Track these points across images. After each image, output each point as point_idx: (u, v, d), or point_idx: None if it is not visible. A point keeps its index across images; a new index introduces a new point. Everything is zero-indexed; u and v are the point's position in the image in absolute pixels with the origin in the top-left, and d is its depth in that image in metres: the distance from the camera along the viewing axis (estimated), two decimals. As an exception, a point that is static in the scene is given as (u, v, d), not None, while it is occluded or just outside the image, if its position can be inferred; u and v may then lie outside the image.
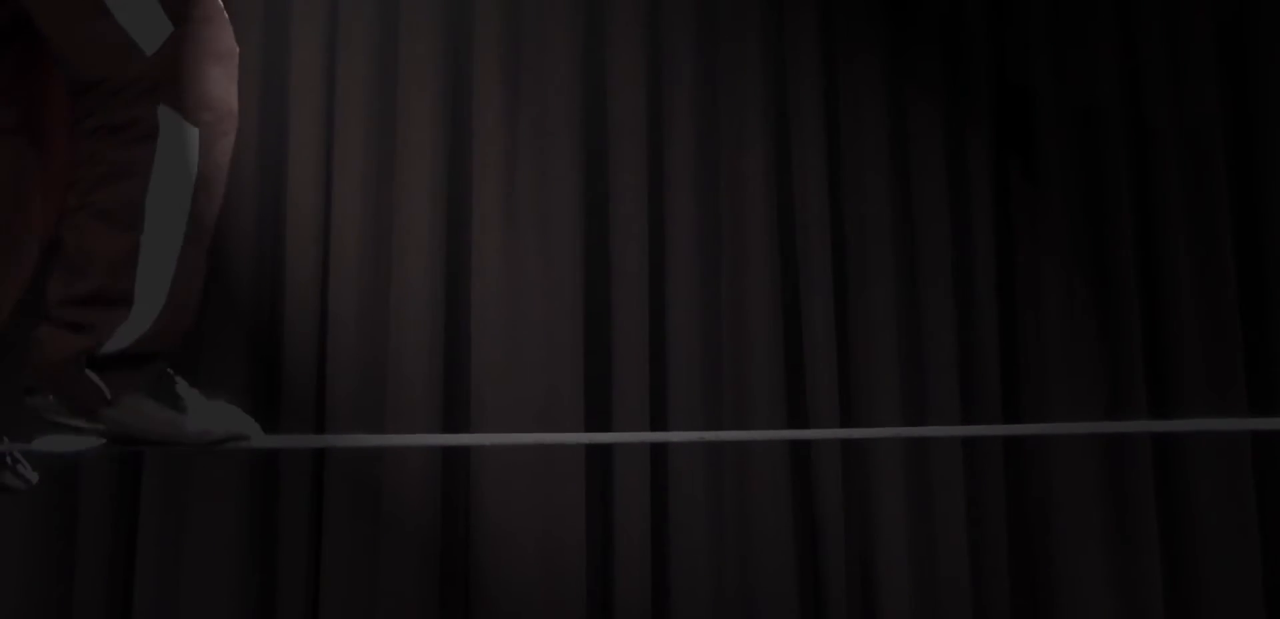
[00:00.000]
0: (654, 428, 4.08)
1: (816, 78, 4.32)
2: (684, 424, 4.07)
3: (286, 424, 3.92)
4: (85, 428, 2.12)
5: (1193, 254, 4.31)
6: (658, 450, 4.06)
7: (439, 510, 3.97)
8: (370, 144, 4.15)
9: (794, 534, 4.06)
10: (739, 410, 4.10)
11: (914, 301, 4.26)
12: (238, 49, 2.19)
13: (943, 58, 4.40)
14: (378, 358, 4.04)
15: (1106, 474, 4.18)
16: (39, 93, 2.18)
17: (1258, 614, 4.10)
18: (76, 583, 3.86)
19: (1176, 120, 4.40)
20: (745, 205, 4.23)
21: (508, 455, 3.97)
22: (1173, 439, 4.18)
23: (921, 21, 4.41)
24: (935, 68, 4.39)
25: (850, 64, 4.36)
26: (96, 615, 3.85)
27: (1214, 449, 4.17)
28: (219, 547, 3.88)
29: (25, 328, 2.16)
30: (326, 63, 4.17)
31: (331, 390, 4.00)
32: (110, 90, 2.05)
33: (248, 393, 3.93)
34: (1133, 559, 4.13)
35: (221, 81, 2.13)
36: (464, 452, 4.01)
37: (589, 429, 4.06)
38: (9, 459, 2.25)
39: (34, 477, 2.32)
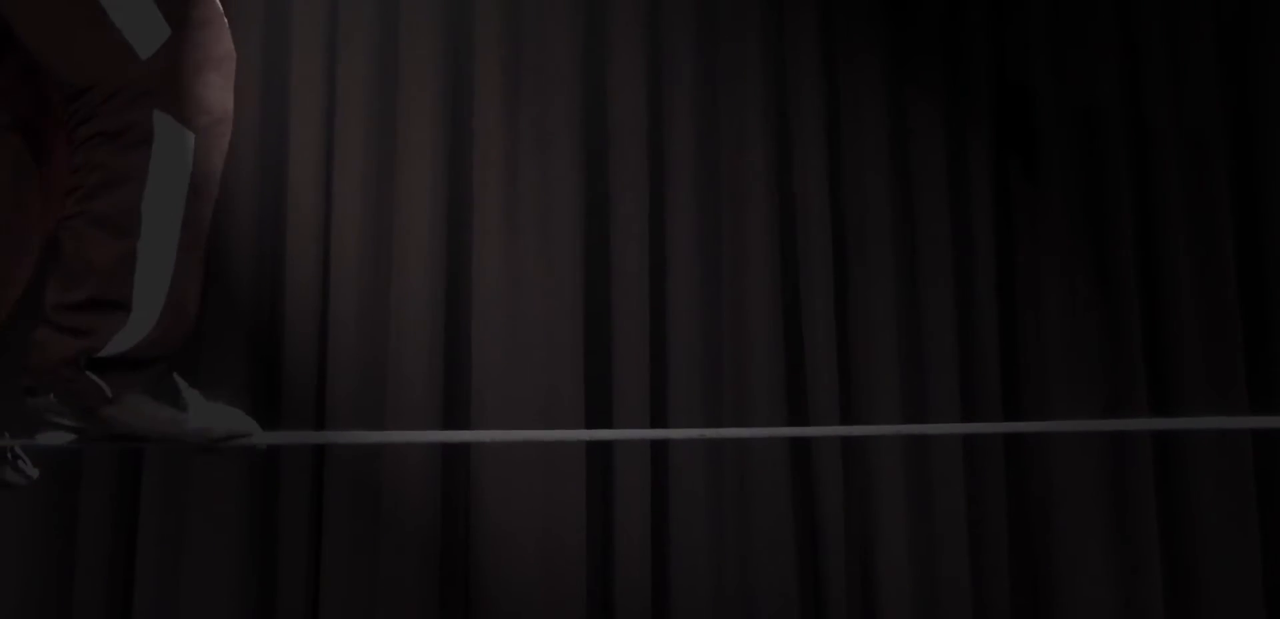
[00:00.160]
0: (654, 427, 4.08)
1: (817, 77, 4.33)
2: (684, 422, 4.07)
3: (287, 424, 3.92)
4: (86, 427, 2.11)
5: (1193, 253, 4.32)
6: (658, 448, 4.06)
7: (439, 509, 3.97)
8: (370, 144, 4.15)
9: (794, 532, 4.06)
10: (739, 409, 4.11)
11: (914, 300, 4.27)
12: (235, 52, 2.19)
13: (943, 57, 4.41)
14: (378, 357, 4.04)
15: (1107, 473, 4.18)
16: (38, 92, 2.18)
17: (1258, 613, 4.10)
18: (76, 581, 3.86)
19: (1177, 120, 4.40)
20: (745, 204, 4.23)
21: (508, 454, 3.98)
22: (1173, 438, 4.18)
23: (921, 21, 4.41)
24: (935, 67, 4.39)
25: (850, 63, 4.37)
26: (96, 613, 3.85)
27: (1214, 448, 4.17)
28: (219, 546, 3.88)
29: (26, 328, 2.16)
30: (327, 63, 4.17)
31: (332, 390, 4.00)
32: (104, 95, 2.05)
33: (248, 392, 3.93)
34: (1133, 558, 4.13)
35: (217, 86, 2.12)
36: (464, 450, 4.01)
37: (589, 427, 4.06)
38: (10, 455, 2.25)
39: (35, 473, 2.32)
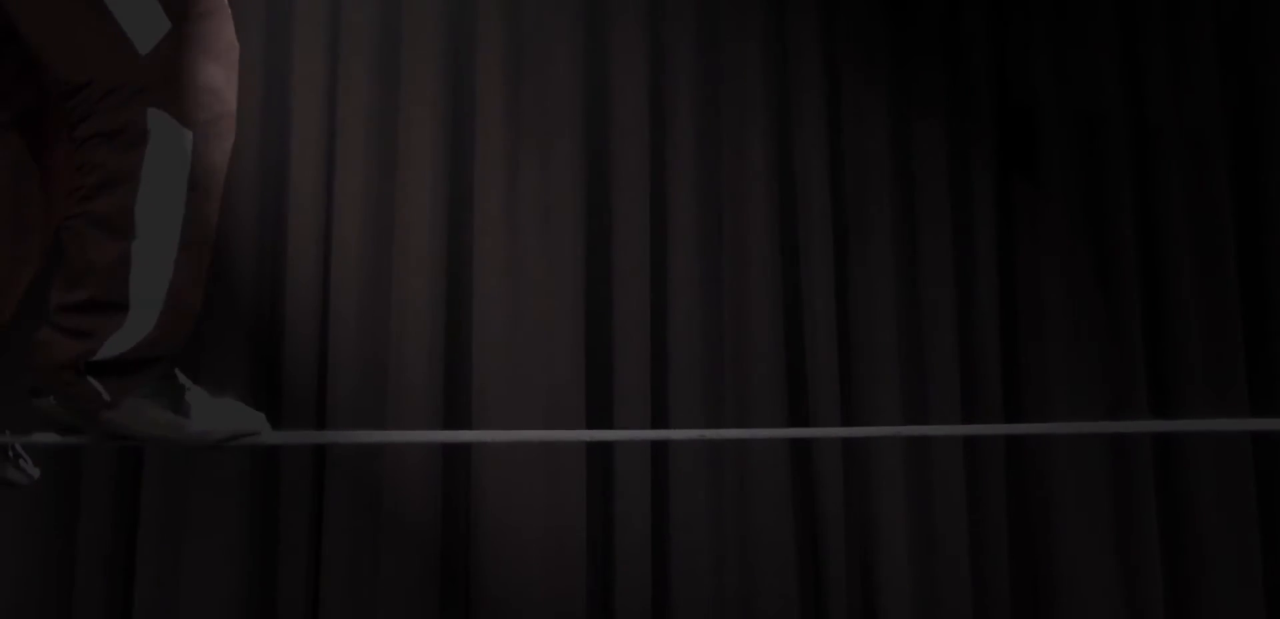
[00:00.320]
0: (655, 427, 4.08)
1: (819, 75, 4.33)
2: (685, 423, 4.07)
3: (288, 423, 3.91)
4: (88, 429, 2.11)
5: (1194, 254, 4.32)
6: (659, 448, 4.06)
7: (439, 509, 3.97)
8: (372, 142, 4.15)
9: (794, 533, 4.06)
10: (740, 409, 4.11)
11: (915, 301, 4.27)
12: (238, 44, 2.17)
13: (944, 58, 4.40)
14: (379, 356, 4.04)
15: (1108, 475, 4.18)
16: (40, 89, 2.17)
17: (1258, 614, 4.10)
18: (77, 578, 3.86)
19: (1178, 121, 4.40)
20: (747, 204, 4.23)
21: (508, 453, 3.98)
22: (1173, 440, 4.19)
23: (922, 22, 4.41)
24: (936, 67, 4.39)
25: (852, 63, 4.37)
26: (97, 611, 3.86)
27: (1214, 450, 4.17)
28: (220, 545, 3.89)
29: (30, 325, 2.16)
30: (328, 61, 4.17)
31: (333, 389, 4.01)
32: (101, 92, 2.04)
33: (249, 392, 3.92)
34: (1133, 560, 4.13)
35: (219, 79, 2.11)
36: (465, 450, 4.01)
37: (590, 428, 4.06)
38: (11, 453, 2.25)
39: (36, 472, 2.33)
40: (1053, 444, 4.18)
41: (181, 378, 2.16)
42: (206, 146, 2.08)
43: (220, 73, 2.12)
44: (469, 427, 4.03)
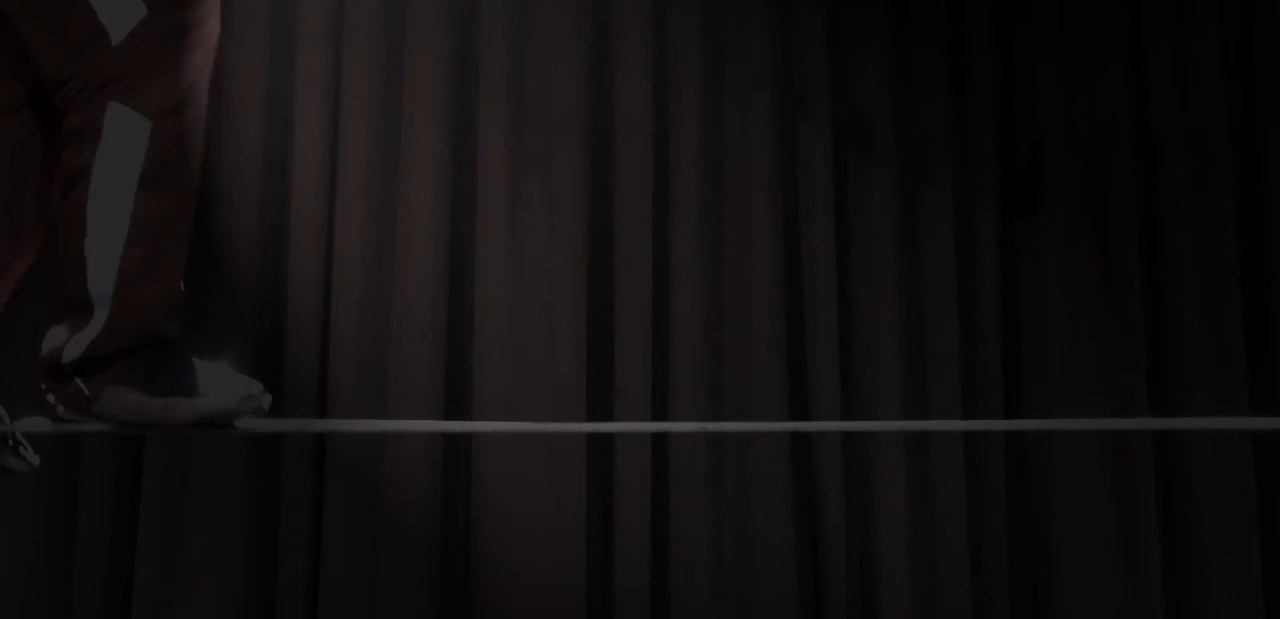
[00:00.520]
0: (656, 421, 4.09)
1: (822, 68, 4.33)
2: (686, 417, 4.07)
3: (289, 416, 3.91)
4: (84, 420, 2.13)
5: (1196, 254, 4.31)
6: (659, 441, 4.06)
7: (440, 502, 3.98)
8: (374, 137, 4.15)
9: (794, 527, 4.06)
10: (740, 404, 4.11)
11: (917, 298, 4.26)
12: (219, 29, 2.15)
13: (948, 55, 4.40)
14: (380, 350, 4.05)
15: (1108, 474, 4.18)
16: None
17: (1257, 613, 4.10)
18: (76, 567, 3.86)
19: (1180, 121, 4.40)
20: (748, 200, 4.24)
21: (509, 447, 3.98)
22: (1174, 438, 4.18)
23: (927, 20, 4.41)
24: (940, 65, 4.39)
25: (856, 59, 4.37)
26: (97, 599, 3.86)
27: (1215, 449, 4.17)
28: (219, 536, 3.89)
29: (28, 315, 2.17)
30: (332, 56, 4.17)
31: (334, 383, 4.01)
32: (76, 88, 2.04)
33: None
34: (1133, 558, 4.13)
35: (189, 68, 2.08)
36: (465, 443, 4.01)
37: (591, 422, 4.06)
38: (11, 441, 2.25)
39: (36, 460, 2.33)
40: (1053, 443, 4.18)
41: (179, 357, 2.14)
42: (165, 140, 2.05)
43: (190, 64, 2.08)
44: (470, 420, 4.03)
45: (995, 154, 4.37)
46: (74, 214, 2.05)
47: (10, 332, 2.96)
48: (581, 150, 4.20)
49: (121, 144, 2.03)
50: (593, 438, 4.04)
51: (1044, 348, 4.27)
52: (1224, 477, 4.17)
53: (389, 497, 3.95)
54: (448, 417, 4.04)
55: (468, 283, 4.13)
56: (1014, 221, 4.36)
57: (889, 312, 4.23)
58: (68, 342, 2.07)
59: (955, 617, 4.07)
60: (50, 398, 2.12)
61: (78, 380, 2.07)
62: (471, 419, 4.04)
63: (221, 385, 2.13)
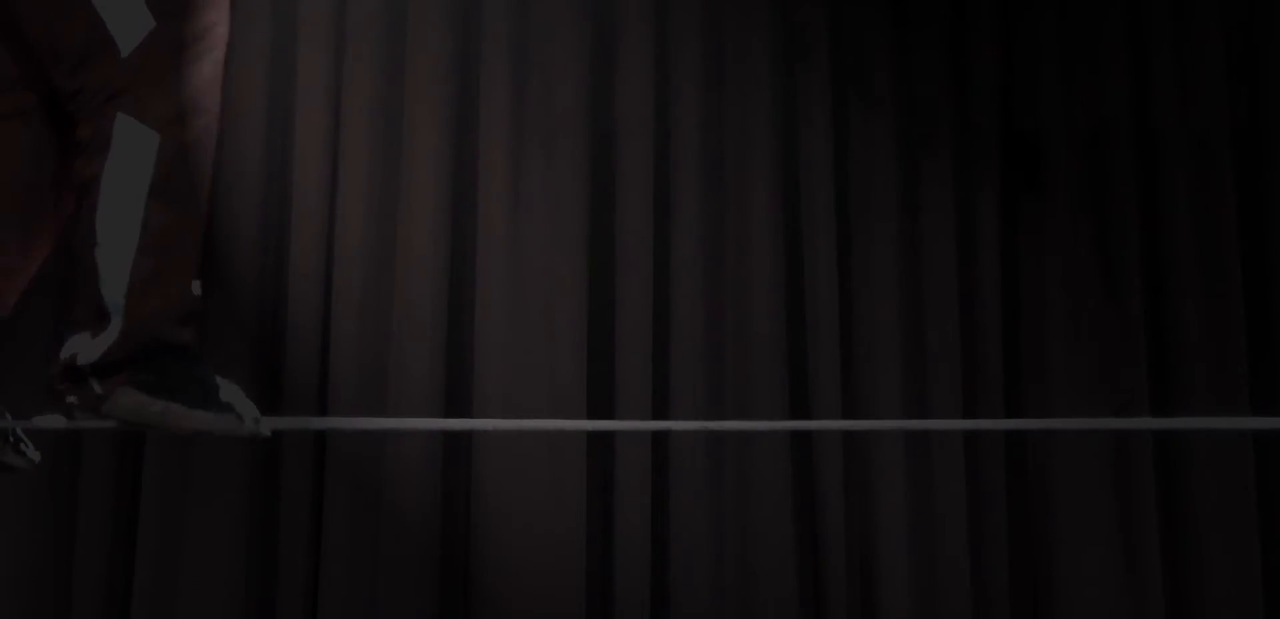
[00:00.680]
0: (656, 420, 4.09)
1: (824, 70, 4.32)
2: (686, 416, 4.08)
3: (289, 415, 3.92)
4: (97, 419, 2.15)
5: (1197, 254, 4.31)
6: (659, 441, 4.06)
7: (440, 501, 3.98)
8: (375, 136, 4.16)
9: (794, 526, 4.06)
10: (741, 403, 4.11)
11: (917, 297, 4.27)
12: (227, 35, 2.16)
13: (950, 54, 4.40)
14: (381, 349, 4.05)
15: (1109, 473, 4.18)
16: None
17: (1257, 613, 4.10)
18: (77, 566, 3.87)
19: (1181, 120, 4.39)
20: (749, 199, 4.24)
21: (509, 446, 3.98)
22: (1175, 438, 4.19)
23: (929, 19, 4.41)
24: (942, 63, 4.39)
25: (857, 58, 4.37)
26: (97, 598, 3.86)
27: (1216, 449, 4.17)
28: (220, 534, 3.89)
29: (37, 311, 2.18)
30: (333, 55, 4.17)
31: (334, 382, 4.01)
32: (86, 98, 2.05)
33: (251, 384, 3.92)
34: (1133, 557, 4.14)
35: (197, 79, 2.09)
36: (465, 443, 4.01)
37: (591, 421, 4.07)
38: (11, 437, 2.26)
39: (36, 456, 2.33)
40: (1053, 442, 4.18)
41: (191, 367, 2.16)
42: (175, 151, 2.07)
43: (200, 72, 2.09)
44: (470, 418, 4.03)
45: (996, 154, 4.37)
46: (85, 224, 2.07)
47: (13, 331, 2.96)
48: (582, 150, 4.20)
49: (130, 155, 2.05)
50: (593, 438, 4.04)
51: (1044, 347, 4.26)
52: (1224, 477, 4.17)
53: (389, 496, 3.95)
54: (449, 414, 4.04)
55: (468, 282, 4.13)
56: (1015, 221, 4.36)
57: (889, 311, 4.23)
58: (84, 347, 2.09)
59: (955, 616, 4.07)
60: (66, 398, 2.13)
61: (93, 381, 2.09)
62: (472, 417, 4.04)
63: (228, 403, 2.16)
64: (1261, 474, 4.18)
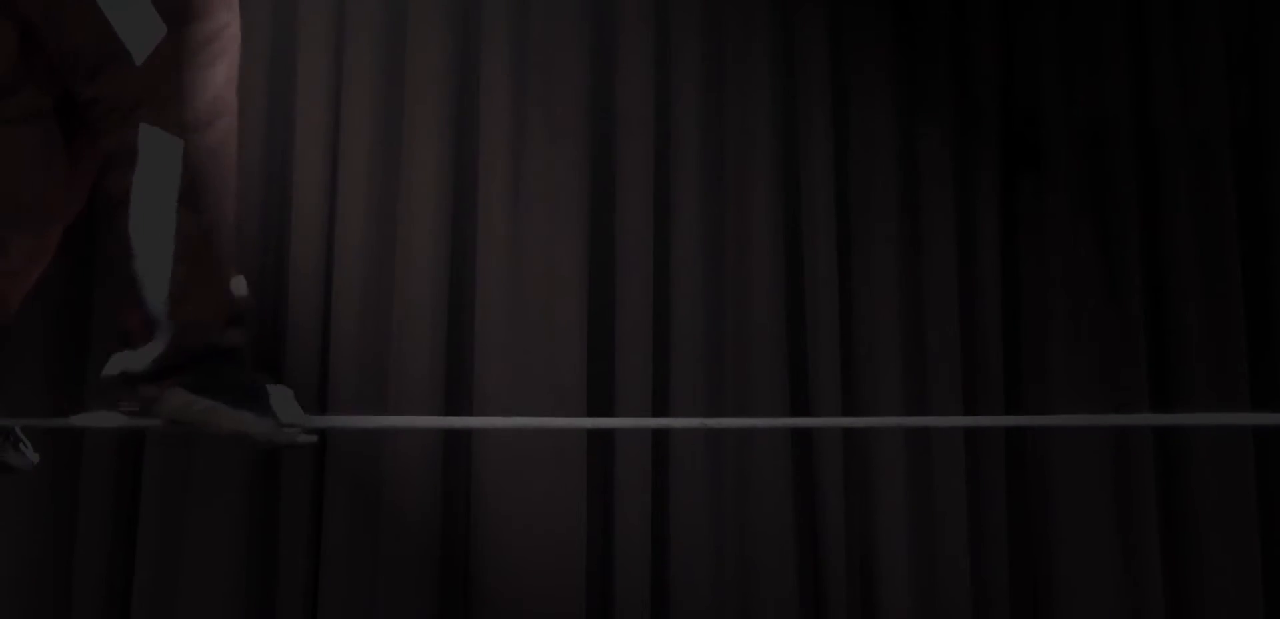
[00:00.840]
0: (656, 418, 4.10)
1: (824, 69, 4.33)
2: (686, 414, 4.08)
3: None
4: (150, 420, 2.18)
5: (1198, 256, 4.31)
6: (659, 441, 4.06)
7: (440, 500, 3.98)
8: (375, 134, 4.16)
9: (794, 524, 4.06)
10: (741, 401, 4.11)
11: (917, 297, 4.27)
12: (239, 36, 2.16)
13: (950, 52, 4.40)
14: (381, 349, 4.05)
15: (1109, 470, 4.18)
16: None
17: (1257, 608, 4.10)
18: (77, 565, 3.86)
19: (1182, 122, 4.40)
20: (749, 199, 4.24)
21: (509, 445, 3.98)
22: (1175, 434, 4.19)
23: (929, 17, 4.41)
24: (942, 61, 4.39)
25: (858, 57, 4.37)
26: (97, 598, 3.86)
27: (1216, 445, 4.18)
28: (219, 532, 3.89)
29: (36, 309, 2.18)
30: (333, 52, 4.17)
31: (334, 381, 4.01)
32: (105, 110, 2.05)
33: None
34: (1133, 555, 4.14)
35: (214, 81, 2.10)
36: (465, 442, 4.02)
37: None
38: (11, 437, 2.26)
39: (35, 458, 2.34)
40: (1053, 440, 4.18)
41: (238, 370, 2.17)
42: (200, 156, 2.08)
43: (215, 76, 2.11)
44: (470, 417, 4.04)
45: (996, 153, 4.37)
46: (120, 238, 2.09)
47: (12, 331, 2.96)
48: (582, 150, 4.20)
49: (157, 164, 2.06)
50: (593, 438, 4.04)
51: (1044, 347, 4.27)
52: (1224, 475, 4.17)
53: (389, 495, 3.96)
54: (448, 413, 4.04)
55: (468, 282, 4.13)
56: (1015, 221, 4.36)
57: (889, 311, 4.24)
58: (135, 357, 2.11)
59: (955, 614, 4.07)
60: (122, 405, 2.17)
61: (145, 386, 2.12)
62: (472, 416, 4.04)
63: (273, 408, 2.17)
64: (1261, 472, 4.19)
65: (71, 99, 2.12)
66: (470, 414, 4.03)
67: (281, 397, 2.19)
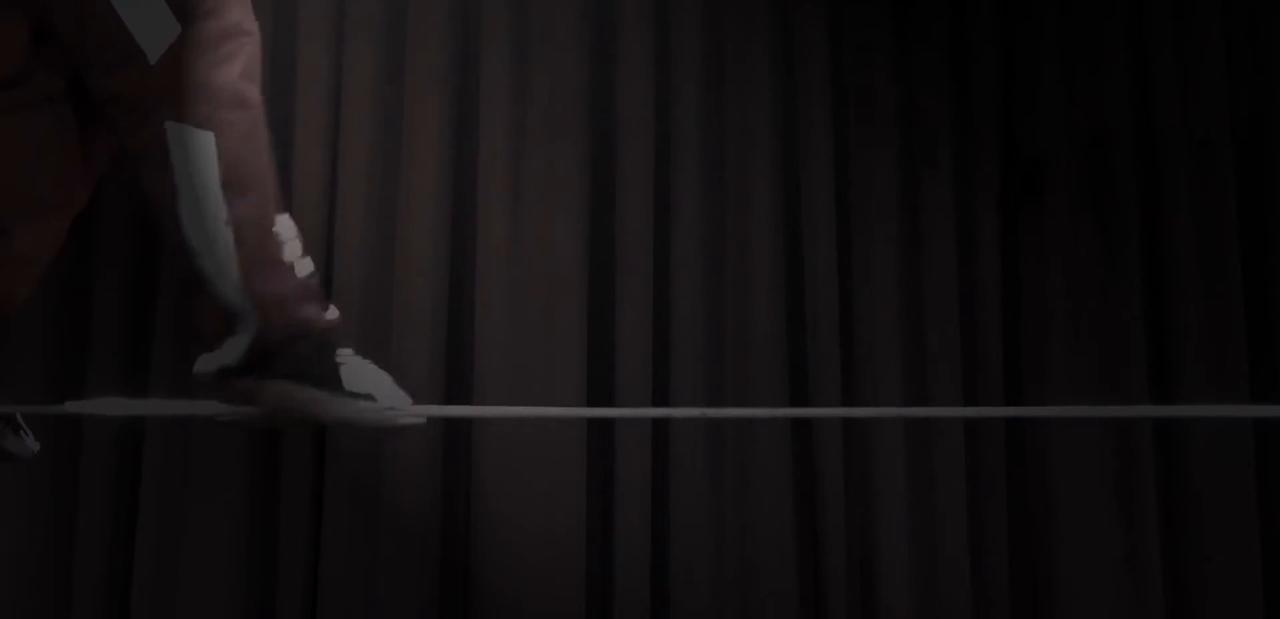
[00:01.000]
0: (656, 423, 4.09)
1: (824, 65, 4.33)
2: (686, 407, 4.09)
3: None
4: (254, 413, 2.15)
5: (1198, 255, 4.32)
6: (659, 440, 4.06)
7: (439, 494, 3.98)
8: (375, 133, 4.16)
9: (794, 518, 4.07)
10: (741, 402, 4.11)
11: (918, 297, 4.27)
12: (256, 35, 2.15)
13: (950, 56, 4.41)
14: (381, 348, 4.04)
15: (1109, 465, 4.18)
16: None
17: (1256, 601, 4.11)
18: (76, 561, 3.86)
19: (1182, 121, 4.40)
20: (749, 198, 4.24)
21: (509, 443, 3.98)
22: (1175, 427, 4.19)
23: (930, 19, 4.42)
24: (943, 64, 4.40)
25: (858, 57, 4.38)
26: (97, 594, 3.86)
27: (1216, 443, 4.18)
28: (219, 530, 3.89)
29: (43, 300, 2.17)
30: (333, 51, 4.18)
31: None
32: (125, 109, 2.04)
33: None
34: (1133, 551, 4.14)
35: (230, 78, 2.08)
36: (465, 436, 4.01)
37: (591, 424, 4.07)
38: (12, 424, 2.26)
39: (36, 446, 2.33)
40: (1054, 436, 4.19)
41: (340, 352, 2.15)
42: (233, 144, 2.06)
43: (236, 70, 2.08)
44: (469, 424, 4.03)
45: (997, 152, 4.38)
46: (177, 238, 2.06)
47: (13, 321, 2.96)
48: (582, 150, 4.20)
49: (192, 158, 2.03)
50: (593, 436, 4.04)
51: (1045, 346, 4.27)
52: (1224, 471, 4.18)
53: (389, 493, 3.95)
54: (448, 418, 4.05)
55: (468, 282, 4.13)
56: (1015, 221, 4.36)
57: (889, 311, 4.24)
58: (225, 353, 2.08)
59: (955, 610, 4.07)
60: (222, 400, 2.13)
61: (243, 378, 2.09)
62: (471, 422, 4.04)
63: (374, 392, 2.15)
64: (1261, 469, 4.19)
65: (90, 97, 2.12)
66: (470, 420, 4.03)
67: (379, 379, 2.16)
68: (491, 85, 4.20)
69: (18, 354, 3.58)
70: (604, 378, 4.12)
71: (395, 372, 3.99)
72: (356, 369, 2.15)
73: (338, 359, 2.13)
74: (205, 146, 2.03)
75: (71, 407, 2.24)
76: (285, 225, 2.12)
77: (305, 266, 2.14)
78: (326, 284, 4.08)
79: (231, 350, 2.08)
